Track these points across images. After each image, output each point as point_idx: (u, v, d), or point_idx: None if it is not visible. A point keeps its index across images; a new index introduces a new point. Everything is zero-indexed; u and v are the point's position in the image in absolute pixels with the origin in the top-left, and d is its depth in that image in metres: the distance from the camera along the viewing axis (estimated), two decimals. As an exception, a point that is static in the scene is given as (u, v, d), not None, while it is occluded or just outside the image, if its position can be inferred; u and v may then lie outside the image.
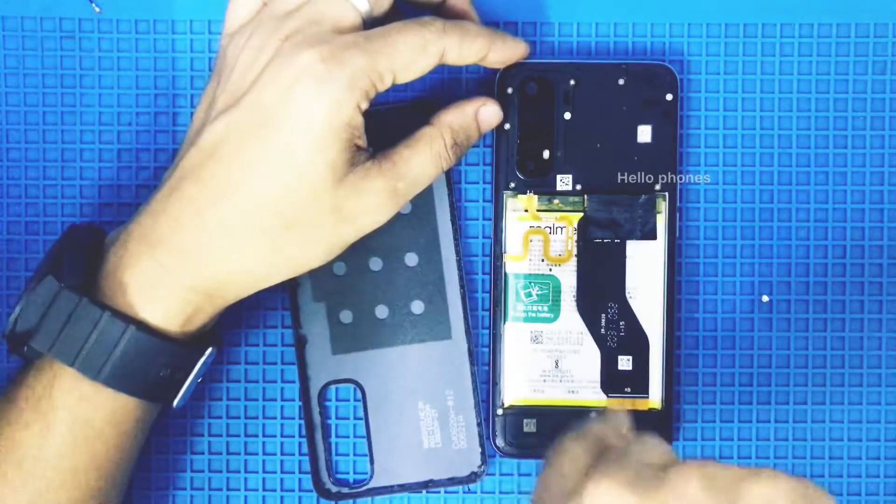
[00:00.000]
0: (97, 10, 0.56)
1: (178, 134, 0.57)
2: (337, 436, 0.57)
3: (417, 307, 0.56)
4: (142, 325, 0.49)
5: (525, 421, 0.55)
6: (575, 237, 0.55)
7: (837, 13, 0.56)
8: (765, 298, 0.57)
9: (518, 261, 0.55)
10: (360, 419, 0.56)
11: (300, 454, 0.57)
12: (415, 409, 0.56)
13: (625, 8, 0.56)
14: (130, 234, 0.50)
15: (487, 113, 0.53)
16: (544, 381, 0.55)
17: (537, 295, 0.55)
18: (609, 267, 0.55)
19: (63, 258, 0.50)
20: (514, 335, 0.55)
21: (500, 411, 0.55)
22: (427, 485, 0.56)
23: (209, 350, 0.52)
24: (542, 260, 0.55)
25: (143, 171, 0.57)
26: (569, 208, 0.55)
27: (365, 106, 0.49)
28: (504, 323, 0.55)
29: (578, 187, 0.55)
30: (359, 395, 0.56)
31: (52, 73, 0.56)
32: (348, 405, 0.57)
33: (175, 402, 0.52)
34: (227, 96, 0.50)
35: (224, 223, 0.49)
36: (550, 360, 0.55)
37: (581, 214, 0.55)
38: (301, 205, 0.49)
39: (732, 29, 0.56)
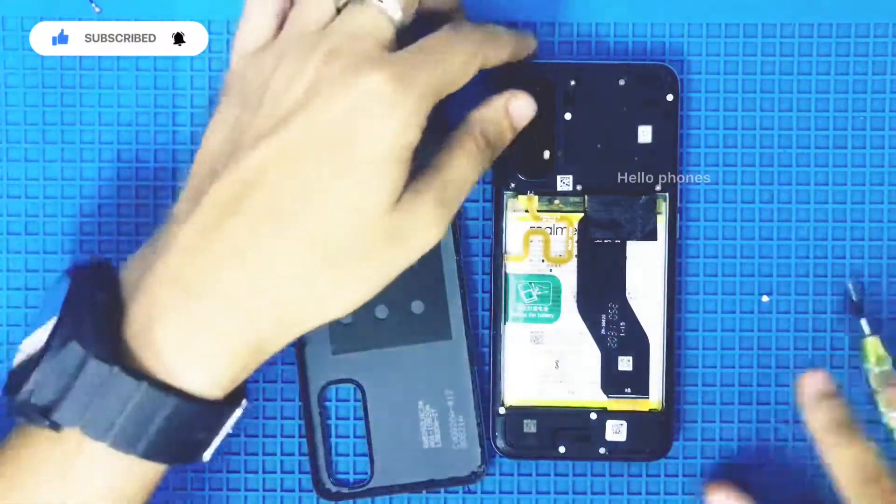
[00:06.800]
0: (97, 10, 0.56)
1: (177, 133, 0.56)
2: (337, 436, 0.57)
3: (417, 307, 0.56)
4: (182, 395, 0.45)
5: (525, 421, 0.55)
6: (575, 237, 0.55)
7: (837, 13, 0.56)
8: (765, 298, 0.56)
9: (518, 261, 0.55)
10: (360, 419, 0.56)
11: (300, 454, 0.57)
12: (415, 409, 0.56)
13: (625, 8, 0.56)
14: (158, 279, 0.45)
15: (518, 106, 0.51)
16: (544, 381, 0.55)
17: (537, 295, 0.55)
18: (609, 267, 0.55)
19: (82, 316, 0.45)
20: (515, 335, 0.55)
21: (501, 410, 0.55)
22: (427, 485, 0.56)
23: (243, 403, 0.48)
24: (543, 260, 0.55)
25: (142, 171, 0.57)
26: (569, 209, 0.55)
27: (423, 127, 0.46)
28: (504, 323, 0.55)
29: (579, 188, 0.55)
30: (359, 395, 0.56)
31: (52, 72, 0.56)
32: (348, 405, 0.56)
33: (206, 458, 0.48)
34: (265, 120, 0.46)
35: (274, 261, 0.45)
36: (551, 360, 0.55)
37: (581, 215, 0.55)
38: (357, 233, 0.45)
39: (732, 29, 0.56)
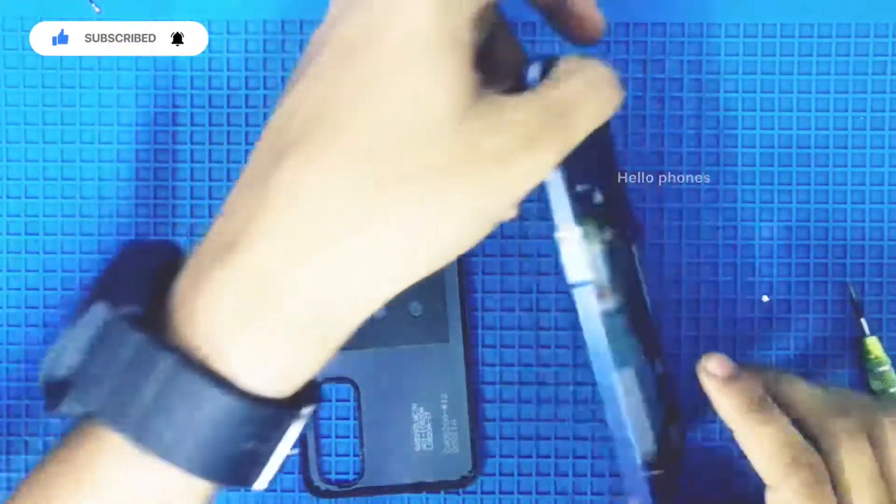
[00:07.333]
0: (97, 10, 0.56)
1: (177, 134, 0.56)
2: (330, 434, 0.57)
3: (416, 308, 0.56)
4: (223, 382, 0.36)
5: (653, 468, 0.49)
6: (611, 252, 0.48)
7: (837, 13, 0.56)
8: (765, 298, 0.56)
9: (600, 299, 0.48)
10: (354, 418, 0.56)
11: (300, 455, 0.57)
12: (408, 410, 0.56)
13: (623, 8, 0.56)
14: (202, 246, 0.38)
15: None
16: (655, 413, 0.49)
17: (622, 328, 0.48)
18: (635, 273, 0.49)
19: (117, 279, 0.38)
20: (627, 381, 0.48)
21: (648, 475, 0.49)
22: (416, 487, 0.56)
23: (310, 408, 0.38)
24: (613, 288, 0.48)
25: (142, 171, 0.57)
26: (603, 221, 0.47)
27: (472, 14, 0.37)
28: (616, 372, 0.47)
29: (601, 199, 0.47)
30: (353, 393, 0.56)
31: (52, 72, 0.56)
32: (343, 403, 0.56)
33: (256, 485, 0.38)
34: (301, 66, 0.39)
35: (330, 192, 0.36)
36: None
37: (610, 227, 0.47)
38: (423, 145, 0.36)
39: (731, 29, 0.56)
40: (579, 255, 0.46)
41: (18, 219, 0.56)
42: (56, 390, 0.36)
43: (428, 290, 0.56)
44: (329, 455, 0.57)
